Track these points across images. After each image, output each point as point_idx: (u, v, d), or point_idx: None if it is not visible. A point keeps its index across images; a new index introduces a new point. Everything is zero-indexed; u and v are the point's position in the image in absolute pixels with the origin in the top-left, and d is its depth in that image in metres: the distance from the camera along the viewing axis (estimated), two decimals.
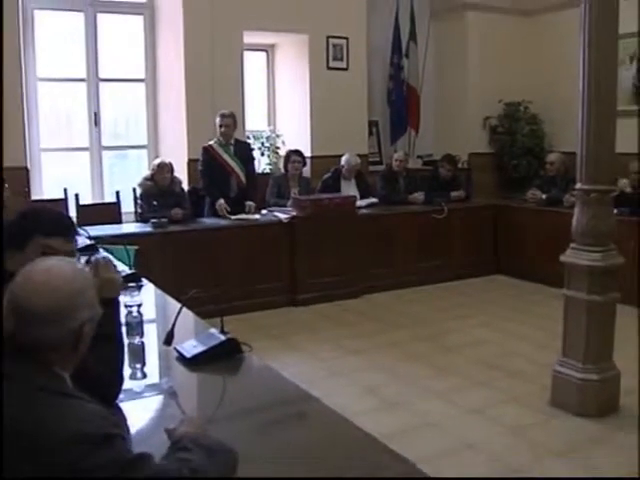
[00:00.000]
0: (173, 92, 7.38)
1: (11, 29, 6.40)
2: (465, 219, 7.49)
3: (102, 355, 1.98)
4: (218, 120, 6.53)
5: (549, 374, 4.21)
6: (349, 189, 7.27)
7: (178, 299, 3.02)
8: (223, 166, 6.54)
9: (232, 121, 6.55)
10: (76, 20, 7.18)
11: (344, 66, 8.11)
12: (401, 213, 7.20)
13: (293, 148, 7.35)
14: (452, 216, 7.32)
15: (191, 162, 7.06)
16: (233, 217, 6.36)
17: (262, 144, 8.09)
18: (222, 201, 6.44)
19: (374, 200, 7.27)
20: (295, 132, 8.12)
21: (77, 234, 2.45)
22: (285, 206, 6.69)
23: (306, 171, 7.47)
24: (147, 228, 5.97)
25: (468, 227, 7.49)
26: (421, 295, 6.86)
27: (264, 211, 6.73)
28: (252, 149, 7.20)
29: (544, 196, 7.18)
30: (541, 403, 4.18)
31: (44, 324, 1.44)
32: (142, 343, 2.51)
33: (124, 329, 2.51)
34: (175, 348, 2.56)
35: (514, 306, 6.46)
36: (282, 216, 6.50)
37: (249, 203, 6.60)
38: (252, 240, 6.27)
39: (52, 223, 2.23)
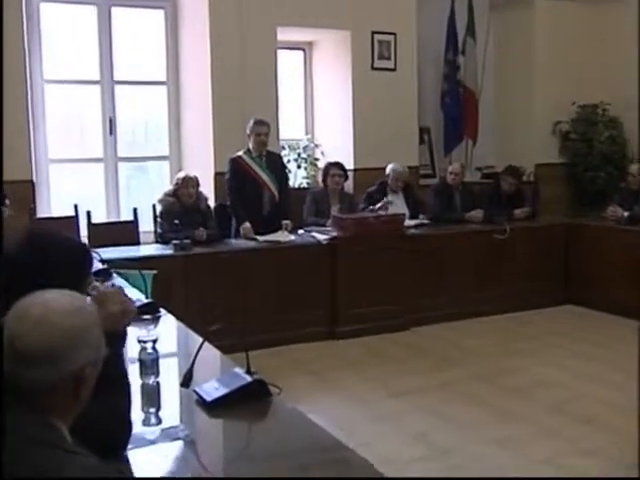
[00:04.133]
0: (198, 96, 7.47)
1: (14, 25, 6.46)
2: (531, 240, 7.42)
3: (106, 399, 2.00)
4: (252, 128, 6.58)
5: (630, 422, 4.11)
6: (397, 205, 7.27)
7: (202, 332, 3.03)
8: (254, 180, 6.60)
9: (268, 130, 6.65)
10: (88, 15, 7.28)
11: (391, 66, 8.14)
12: (456, 233, 7.17)
13: (333, 160, 7.39)
14: (516, 237, 7.25)
15: (218, 176, 7.11)
16: (262, 238, 6.38)
17: (298, 155, 8.16)
18: (248, 225, 6.48)
19: (425, 221, 7.24)
20: (336, 141, 8.18)
21: None
22: (324, 225, 6.72)
23: (348, 186, 7.49)
24: (168, 250, 6.02)
25: (534, 249, 7.41)
26: (479, 328, 6.80)
27: (300, 231, 6.79)
28: (284, 161, 7.27)
29: (626, 214, 7.06)
30: (620, 456, 4.08)
31: (39, 365, 1.44)
32: (157, 384, 2.52)
33: (137, 368, 2.54)
34: (194, 390, 2.57)
35: (587, 341, 6.36)
36: (321, 237, 6.52)
37: (286, 222, 6.65)
38: (287, 264, 6.29)
39: (90, 256, 2.22)
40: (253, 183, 6.59)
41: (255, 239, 6.39)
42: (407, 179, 7.50)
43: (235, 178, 6.58)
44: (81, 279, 2.22)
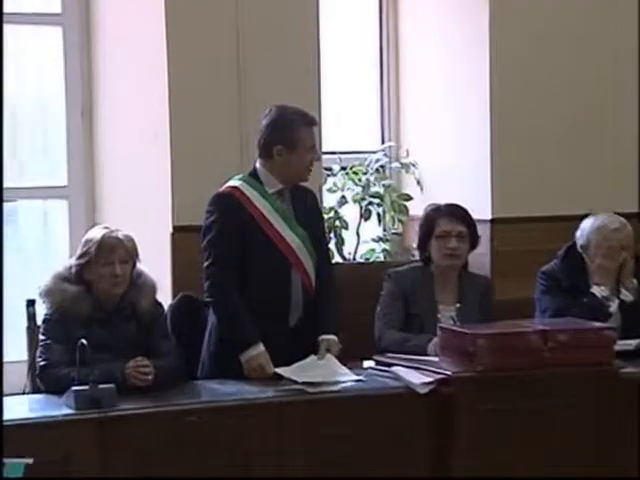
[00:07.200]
0: (135, 55, 7.76)
1: None
2: None
3: None
4: (300, 131, 6.63)
5: None
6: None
7: None
8: (270, 243, 6.67)
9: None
10: None
11: None
12: None
13: (444, 201, 7.40)
14: None
15: (180, 235, 7.57)
16: (289, 374, 6.33)
17: (364, 188, 8.11)
18: (261, 350, 6.43)
19: None
20: (450, 160, 8.45)
21: None
22: (423, 352, 6.75)
23: (479, 260, 7.36)
24: (61, 409, 5.84)
25: None
26: None
27: (369, 363, 6.83)
28: (318, 202, 7.59)
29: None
30: None
31: None
32: None
33: None
34: None
35: None
36: (416, 379, 6.36)
37: (328, 338, 6.58)
38: (338, 438, 6.13)
39: None
40: (269, 250, 6.62)
41: (288, 379, 6.34)
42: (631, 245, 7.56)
43: (228, 238, 6.58)
44: None
